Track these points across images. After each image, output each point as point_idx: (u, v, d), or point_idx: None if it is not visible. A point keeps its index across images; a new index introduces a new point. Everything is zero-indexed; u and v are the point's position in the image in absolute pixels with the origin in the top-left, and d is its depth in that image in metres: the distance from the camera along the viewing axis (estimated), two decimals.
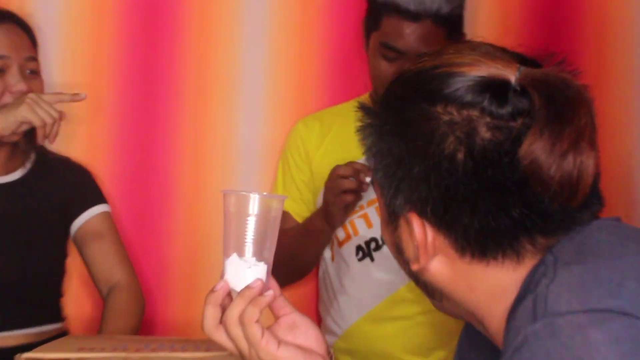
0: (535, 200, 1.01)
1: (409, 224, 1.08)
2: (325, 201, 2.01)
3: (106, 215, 2.22)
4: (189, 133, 2.48)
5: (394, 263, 2.05)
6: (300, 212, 2.22)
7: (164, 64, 2.47)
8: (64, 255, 2.17)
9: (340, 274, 2.20)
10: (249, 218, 1.22)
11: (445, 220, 1.05)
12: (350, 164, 1.96)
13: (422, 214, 1.06)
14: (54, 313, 2.12)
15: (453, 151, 1.02)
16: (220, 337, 1.21)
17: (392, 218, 1.12)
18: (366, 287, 2.16)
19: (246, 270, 1.22)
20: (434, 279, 1.11)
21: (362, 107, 1.11)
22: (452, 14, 2.04)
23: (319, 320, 2.33)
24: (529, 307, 0.98)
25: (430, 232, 1.07)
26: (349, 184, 1.92)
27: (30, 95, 1.89)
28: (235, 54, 2.47)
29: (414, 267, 1.11)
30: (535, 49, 1.08)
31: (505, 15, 2.47)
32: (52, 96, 1.93)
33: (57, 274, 2.15)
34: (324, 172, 2.11)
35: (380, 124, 1.09)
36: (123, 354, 1.45)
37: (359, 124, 1.11)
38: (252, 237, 1.23)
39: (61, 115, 1.91)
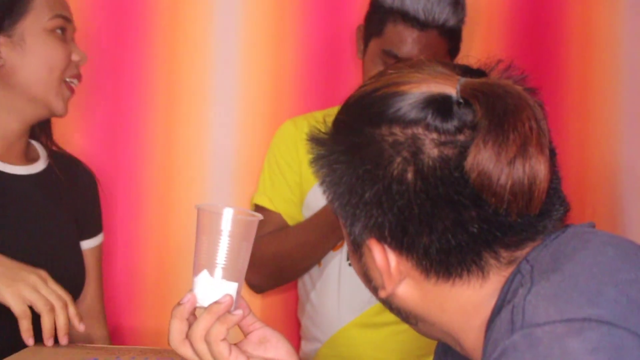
0: (491, 213, 1.00)
1: (370, 251, 1.07)
2: None
3: (100, 248, 2.06)
4: (160, 141, 2.39)
5: None
6: (292, 214, 2.18)
7: (133, 69, 2.38)
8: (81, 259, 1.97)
9: (327, 279, 2.16)
10: (222, 235, 1.20)
11: (404, 242, 1.03)
12: None
13: (381, 239, 1.04)
14: None
15: (401, 172, 1.01)
16: (187, 351, 1.20)
17: (355, 247, 1.11)
18: (356, 292, 2.09)
19: (216, 288, 1.20)
20: (405, 304, 1.10)
21: (311, 139, 1.10)
22: (456, 27, 2.05)
23: (298, 326, 2.31)
24: (507, 318, 0.97)
25: (392, 257, 1.05)
26: None
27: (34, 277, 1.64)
28: (208, 61, 2.40)
29: (382, 294, 1.10)
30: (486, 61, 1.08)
31: (493, 27, 2.45)
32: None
33: (80, 277, 1.93)
34: (312, 177, 2.05)
35: (329, 153, 1.08)
36: None
37: (309, 156, 1.11)
38: (225, 255, 1.21)
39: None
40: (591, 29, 2.50)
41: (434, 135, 1.00)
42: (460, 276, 1.03)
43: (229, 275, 1.19)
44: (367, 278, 1.11)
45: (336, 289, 2.13)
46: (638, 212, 2.49)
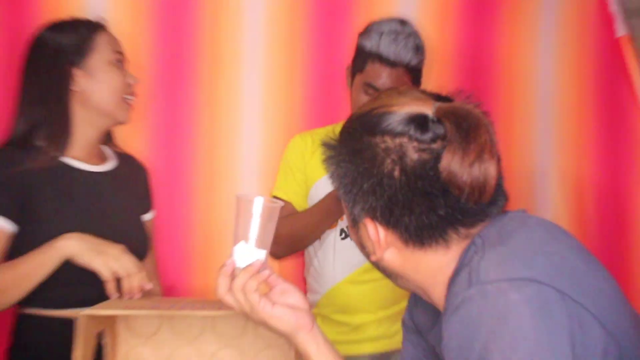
0: (455, 201, 1.08)
1: (366, 226, 1.14)
2: None
3: (152, 222, 2.08)
4: (204, 144, 2.44)
5: None
6: (300, 203, 2.20)
7: (180, 88, 2.42)
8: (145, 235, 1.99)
9: (326, 249, 2.20)
10: (254, 216, 1.26)
11: (391, 221, 1.11)
12: None
13: (374, 219, 1.13)
14: None
15: (391, 170, 1.08)
16: (229, 299, 1.26)
17: (354, 223, 1.18)
18: (345, 259, 2.17)
19: (250, 255, 1.26)
20: (389, 265, 1.17)
21: (324, 144, 1.18)
22: (417, 66, 2.08)
23: (304, 283, 2.32)
24: (465, 277, 1.03)
25: (382, 231, 1.13)
26: None
27: (115, 251, 1.68)
28: (240, 85, 2.44)
29: (373, 258, 1.18)
30: (450, 89, 1.15)
31: (444, 68, 2.47)
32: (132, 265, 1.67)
33: (145, 252, 1.95)
34: (315, 176, 2.19)
35: (337, 154, 1.16)
36: (157, 312, 1.43)
37: (322, 157, 1.18)
38: (257, 231, 1.27)
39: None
40: (515, 67, 2.53)
41: (415, 144, 1.07)
42: (431, 246, 1.11)
43: (259, 245, 1.26)
44: (362, 246, 1.20)
45: (332, 256, 2.18)
46: (546, 202, 2.48)
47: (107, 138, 2.01)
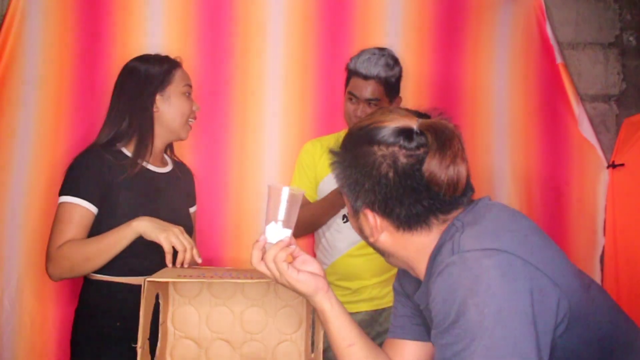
0: (435, 195, 1.09)
1: (365, 215, 1.15)
2: None
3: (195, 213, 2.07)
4: (236, 149, 2.41)
5: None
6: (310, 194, 2.22)
7: (220, 111, 2.40)
8: (190, 219, 1.99)
9: (331, 230, 2.20)
10: (282, 201, 1.26)
11: (386, 211, 1.12)
12: None
13: (372, 209, 1.14)
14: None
15: (386, 172, 1.09)
16: (262, 268, 1.25)
17: (354, 213, 1.18)
18: (346, 237, 2.17)
19: (279, 232, 1.26)
20: (383, 245, 1.18)
21: (331, 151, 1.18)
22: (387, 78, 2.09)
23: (314, 256, 2.24)
24: (449, 248, 1.05)
25: (378, 219, 1.14)
26: None
27: (176, 230, 1.66)
28: (263, 103, 2.41)
29: (370, 239, 1.19)
30: (426, 108, 1.16)
31: (421, 87, 2.46)
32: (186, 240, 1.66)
33: (192, 229, 1.99)
34: (323, 174, 2.20)
35: (341, 160, 1.16)
36: (204, 279, 1.42)
37: (329, 161, 1.18)
38: (284, 213, 1.26)
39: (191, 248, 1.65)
40: (476, 87, 2.47)
41: (404, 151, 1.08)
42: (417, 229, 1.12)
43: (285, 225, 1.26)
44: (361, 231, 1.20)
45: (336, 235, 2.18)
46: (503, 193, 2.45)
47: (168, 148, 2.03)
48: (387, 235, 1.15)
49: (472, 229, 1.06)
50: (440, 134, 1.08)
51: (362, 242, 2.08)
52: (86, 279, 1.82)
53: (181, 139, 1.95)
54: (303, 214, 2.16)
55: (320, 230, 2.23)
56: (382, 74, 2.06)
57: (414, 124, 1.10)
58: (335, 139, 2.25)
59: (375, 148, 1.10)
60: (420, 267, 1.15)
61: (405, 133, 1.09)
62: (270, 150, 2.36)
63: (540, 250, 1.05)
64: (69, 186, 1.77)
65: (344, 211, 2.14)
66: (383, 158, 1.09)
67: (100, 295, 1.80)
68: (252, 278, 1.39)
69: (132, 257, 1.74)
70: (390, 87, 2.11)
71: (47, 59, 2.25)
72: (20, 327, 2.20)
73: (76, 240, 1.72)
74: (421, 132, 1.09)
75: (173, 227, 1.67)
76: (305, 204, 2.20)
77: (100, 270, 1.75)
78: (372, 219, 1.14)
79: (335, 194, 2.09)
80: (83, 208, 1.74)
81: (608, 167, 2.42)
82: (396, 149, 1.09)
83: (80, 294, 1.84)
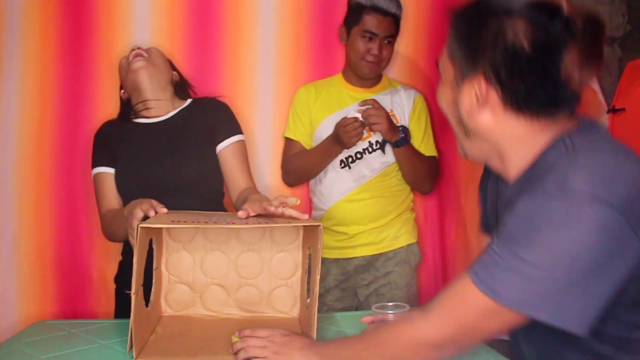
0: (560, 86, 1.00)
1: (472, 86, 1.05)
2: (339, 137, 2.01)
3: (240, 143, 1.92)
4: (227, 88, 2.26)
5: (360, 171, 2.15)
6: (306, 141, 2.20)
7: (211, 61, 2.28)
8: (213, 165, 1.89)
9: (329, 176, 2.17)
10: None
11: (505, 83, 1.02)
12: (347, 119, 2.01)
13: (488, 79, 1.03)
14: (217, 207, 1.92)
15: (521, 43, 0.99)
16: None
17: (460, 82, 1.07)
18: (343, 183, 2.15)
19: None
20: (479, 125, 1.07)
21: (456, 15, 1.08)
22: (399, 16, 2.12)
23: (310, 202, 2.30)
24: (555, 173, 0.97)
25: (491, 91, 1.04)
26: (357, 127, 1.99)
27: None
28: (256, 49, 2.29)
29: (467, 116, 1.08)
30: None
31: (417, 22, 2.36)
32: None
33: (211, 177, 1.89)
34: (318, 119, 2.18)
35: (467, 22, 1.06)
36: (198, 225, 1.35)
37: (450, 26, 1.08)
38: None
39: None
40: None
41: (546, 28, 0.99)
42: (524, 114, 1.03)
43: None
44: (455, 103, 1.10)
45: (333, 181, 2.15)
46: None
47: (180, 88, 2.04)
48: (489, 114, 1.05)
49: (586, 162, 0.97)
50: (590, 26, 0.99)
51: (360, 187, 2.15)
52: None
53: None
54: (299, 161, 2.20)
55: (316, 177, 2.21)
56: (398, 12, 2.10)
57: (563, 5, 1.01)
58: (328, 83, 2.25)
59: (516, 17, 1.01)
60: (513, 160, 1.08)
61: (552, 11, 1.00)
62: (264, 96, 2.30)
63: None
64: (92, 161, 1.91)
65: (342, 156, 2.13)
66: (521, 27, 1.00)
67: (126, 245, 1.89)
68: (247, 223, 1.36)
69: None
70: (399, 24, 2.13)
71: (29, 54, 2.13)
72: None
73: (112, 211, 1.82)
74: (569, 17, 1.00)
75: (134, 213, 1.47)
76: (301, 151, 2.20)
77: None
78: (483, 90, 1.04)
79: (330, 140, 2.07)
80: (101, 174, 1.86)
81: (608, 111, 2.36)
82: (537, 22, 1.00)
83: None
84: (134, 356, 1.29)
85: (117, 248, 1.96)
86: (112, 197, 1.85)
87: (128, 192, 1.83)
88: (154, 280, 1.53)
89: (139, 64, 1.90)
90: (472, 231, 2.38)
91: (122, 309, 1.83)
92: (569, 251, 0.92)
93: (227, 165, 1.90)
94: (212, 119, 1.94)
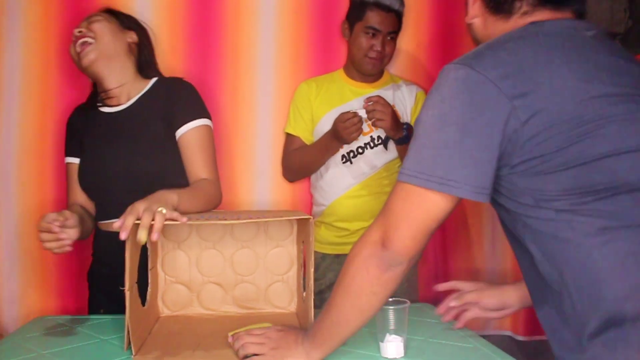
0: None
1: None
2: (338, 132, 1.99)
3: (202, 128, 1.72)
4: (228, 85, 2.26)
5: (362, 167, 2.14)
6: (306, 137, 2.19)
7: (210, 54, 2.24)
8: (172, 154, 1.70)
9: (330, 172, 2.16)
10: None
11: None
12: (346, 112, 1.98)
13: None
14: None
15: None
16: None
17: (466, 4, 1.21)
18: (345, 179, 2.15)
19: None
20: (476, 29, 1.20)
21: None
22: (402, 12, 2.12)
23: (311, 197, 2.29)
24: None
25: (476, 1, 1.18)
26: (356, 122, 1.97)
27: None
28: (256, 44, 2.26)
29: (467, 20, 1.21)
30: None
31: (418, 17, 2.34)
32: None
33: (174, 170, 1.69)
34: (319, 114, 2.18)
35: None
36: (191, 222, 1.31)
37: None
38: None
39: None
40: None
41: None
42: (503, 18, 1.13)
43: None
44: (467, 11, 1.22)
45: (333, 178, 2.14)
46: None
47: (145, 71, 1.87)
48: (479, 20, 1.18)
49: (489, 43, 1.06)
50: None
51: (361, 183, 2.15)
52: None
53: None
54: (299, 157, 2.19)
55: (318, 172, 2.21)
56: (401, 8, 2.10)
57: None
58: (330, 79, 2.23)
59: None
60: None
61: None
62: (264, 92, 2.28)
63: (538, 75, 0.98)
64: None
65: (343, 151, 2.13)
66: None
67: (99, 241, 1.81)
68: (239, 219, 1.36)
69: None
70: (401, 20, 2.13)
71: (30, 41, 2.12)
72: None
73: (76, 206, 1.75)
74: None
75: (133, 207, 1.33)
76: (301, 146, 2.20)
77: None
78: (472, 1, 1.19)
79: (329, 136, 2.07)
80: (68, 164, 1.80)
81: None
82: None
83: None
84: (134, 353, 1.30)
85: None
86: (77, 190, 1.77)
87: (86, 188, 1.75)
88: (149, 280, 1.54)
89: (89, 57, 1.71)
90: (473, 226, 2.37)
91: (95, 305, 1.79)
92: (438, 112, 0.99)
93: (186, 153, 1.71)
94: (172, 102, 1.75)
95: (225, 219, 1.35)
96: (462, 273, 2.38)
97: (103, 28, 1.75)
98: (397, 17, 2.09)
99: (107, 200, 1.72)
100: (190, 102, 1.75)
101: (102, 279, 1.77)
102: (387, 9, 2.06)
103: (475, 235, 2.36)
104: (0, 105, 2.12)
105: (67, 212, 1.45)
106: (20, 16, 2.11)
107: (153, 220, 1.26)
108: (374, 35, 2.07)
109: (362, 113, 2.00)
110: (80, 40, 1.72)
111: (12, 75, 2.12)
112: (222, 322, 1.53)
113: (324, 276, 2.18)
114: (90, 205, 1.79)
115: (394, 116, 2.01)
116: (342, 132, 1.98)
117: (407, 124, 2.10)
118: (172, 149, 1.71)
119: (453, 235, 2.40)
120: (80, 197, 1.78)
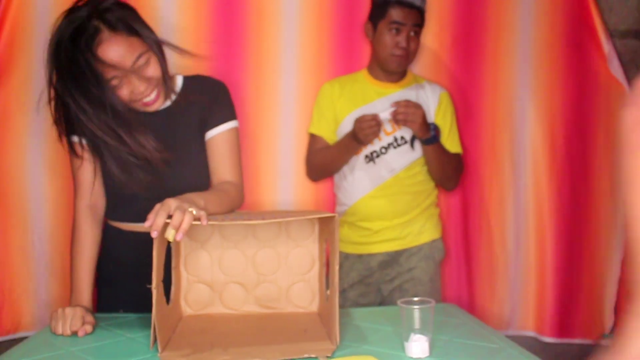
0: None
1: None
2: (355, 133, 2.02)
3: (234, 131, 1.73)
4: (251, 86, 2.26)
5: (385, 165, 2.15)
6: (330, 137, 2.20)
7: (234, 50, 2.26)
8: (201, 157, 1.72)
9: (354, 172, 2.16)
10: None
11: None
12: (365, 115, 2.01)
13: None
14: None
15: None
16: None
17: None
18: (368, 178, 2.15)
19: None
20: None
21: None
22: (424, 8, 2.12)
23: (334, 197, 2.29)
24: None
25: None
26: (373, 125, 1.99)
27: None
28: (279, 44, 2.27)
29: None
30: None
31: (440, 24, 2.33)
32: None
33: (197, 174, 1.71)
34: (342, 114, 2.18)
35: None
36: (214, 222, 1.32)
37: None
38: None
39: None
40: (500, 20, 2.28)
41: None
42: None
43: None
44: None
45: (358, 177, 2.14)
46: (525, 139, 2.31)
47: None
48: None
49: None
50: None
51: (385, 183, 2.16)
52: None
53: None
54: (321, 156, 2.21)
55: (341, 172, 2.22)
56: (422, 4, 2.11)
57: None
58: (353, 79, 2.23)
59: None
60: None
61: None
62: (288, 93, 2.29)
63: None
64: None
65: (366, 151, 2.14)
66: None
67: (113, 239, 1.76)
68: (263, 219, 1.36)
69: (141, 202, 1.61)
70: (424, 16, 2.14)
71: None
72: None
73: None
74: None
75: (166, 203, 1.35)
76: (324, 146, 2.21)
77: (113, 216, 1.75)
78: None
79: (349, 136, 2.08)
80: (75, 143, 1.69)
81: None
82: None
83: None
84: (160, 350, 1.32)
85: None
86: (90, 189, 1.69)
87: (115, 193, 1.69)
88: (173, 280, 1.56)
89: (159, 102, 1.67)
90: (496, 226, 2.34)
91: (103, 299, 1.77)
92: None
93: (214, 154, 1.71)
94: (209, 104, 1.72)
95: (250, 220, 1.35)
96: (484, 273, 2.37)
97: (154, 64, 1.60)
98: (419, 13, 2.10)
99: (127, 202, 1.69)
100: (223, 104, 1.75)
101: (110, 274, 1.76)
102: (410, 5, 2.07)
103: (498, 235, 2.34)
104: (31, 110, 2.12)
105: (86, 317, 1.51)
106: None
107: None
108: (397, 30, 2.08)
109: (386, 114, 2.01)
110: (147, 100, 1.63)
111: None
112: (244, 321, 1.54)
113: (347, 275, 2.19)
114: (101, 204, 1.73)
115: (424, 117, 2.04)
116: (358, 133, 2.01)
117: (434, 124, 2.10)
118: (201, 151, 1.73)
119: (476, 235, 2.38)
120: (94, 197, 1.70)
